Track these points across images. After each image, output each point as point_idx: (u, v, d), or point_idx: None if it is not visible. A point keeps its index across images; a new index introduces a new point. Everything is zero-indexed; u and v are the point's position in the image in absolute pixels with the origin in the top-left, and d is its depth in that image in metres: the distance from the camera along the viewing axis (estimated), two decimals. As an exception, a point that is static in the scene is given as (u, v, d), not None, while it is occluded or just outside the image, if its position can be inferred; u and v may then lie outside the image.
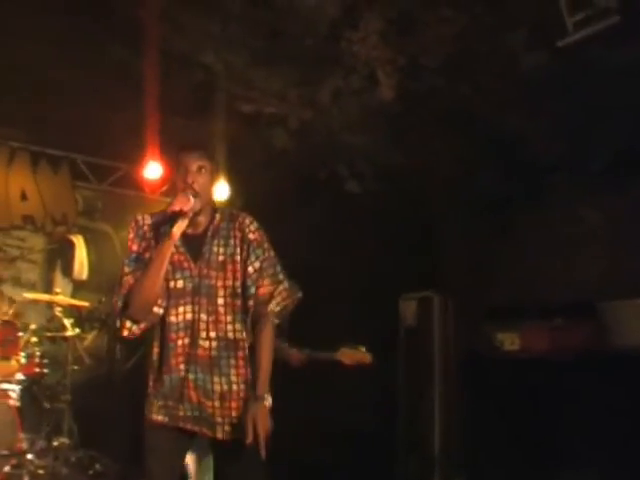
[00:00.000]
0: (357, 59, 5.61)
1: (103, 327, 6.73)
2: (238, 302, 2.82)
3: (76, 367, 5.90)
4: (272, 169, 6.76)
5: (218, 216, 2.88)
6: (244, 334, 2.82)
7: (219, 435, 2.76)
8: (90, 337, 6.82)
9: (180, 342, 2.76)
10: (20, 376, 5.32)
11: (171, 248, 2.71)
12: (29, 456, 5.08)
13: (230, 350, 2.79)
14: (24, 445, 4.96)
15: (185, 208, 2.69)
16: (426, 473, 6.14)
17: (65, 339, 5.87)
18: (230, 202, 7.21)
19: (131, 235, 2.85)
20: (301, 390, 5.70)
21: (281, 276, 2.89)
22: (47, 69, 5.81)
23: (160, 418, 2.78)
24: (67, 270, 7.39)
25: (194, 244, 2.83)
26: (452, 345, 6.42)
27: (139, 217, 2.89)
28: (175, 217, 2.69)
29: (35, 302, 6.37)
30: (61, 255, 7.46)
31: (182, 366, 2.75)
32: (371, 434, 5.93)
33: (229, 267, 2.82)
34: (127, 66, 5.78)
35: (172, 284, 2.79)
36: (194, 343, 2.76)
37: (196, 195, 2.74)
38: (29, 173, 7.37)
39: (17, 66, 5.80)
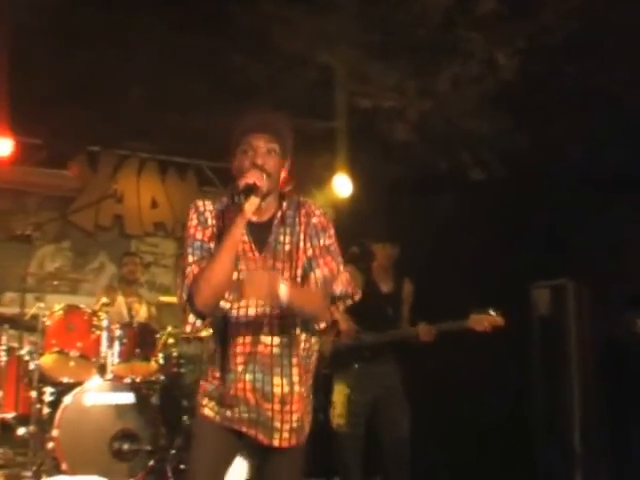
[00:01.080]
0: (474, 44, 5.47)
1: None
2: None
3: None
4: (393, 162, 6.70)
5: (285, 204, 2.66)
6: (307, 332, 2.61)
7: (275, 442, 2.57)
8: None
9: (241, 339, 2.54)
10: (159, 376, 5.53)
11: (243, 227, 2.48)
12: (171, 451, 5.28)
13: (292, 348, 2.57)
14: (165, 441, 5.15)
15: (259, 182, 2.48)
16: (568, 467, 5.91)
17: (200, 339, 6.03)
18: (353, 198, 7.22)
19: (193, 222, 2.61)
20: (435, 390, 5.64)
21: (342, 265, 2.65)
22: (170, 83, 6.02)
23: (212, 415, 2.61)
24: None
25: (259, 233, 2.60)
26: (589, 334, 6.15)
27: (199, 202, 2.67)
28: (247, 192, 2.47)
29: (169, 305, 6.60)
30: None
31: (241, 366, 2.54)
32: (508, 428, 5.77)
33: (295, 257, 2.60)
34: (246, 72, 5.89)
35: (235, 275, 2.53)
36: (256, 340, 2.54)
37: (269, 175, 2.54)
38: (158, 181, 7.68)
39: (143, 81, 6.04)
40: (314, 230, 2.62)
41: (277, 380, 2.54)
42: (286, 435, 2.57)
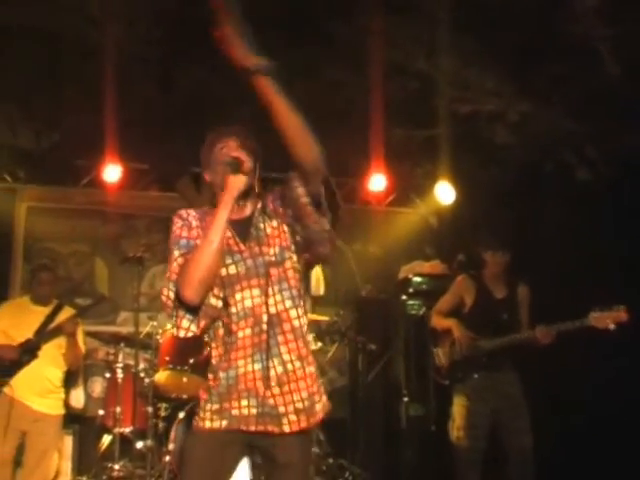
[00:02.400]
0: (574, 40, 5.30)
1: (343, 340, 6.90)
2: (281, 269, 2.56)
3: (321, 380, 6.05)
4: (495, 166, 6.57)
5: (261, 200, 2.67)
6: (289, 303, 2.54)
7: (286, 428, 2.50)
8: (332, 350, 7.01)
9: (242, 333, 2.50)
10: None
11: (229, 207, 2.48)
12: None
13: (275, 325, 2.51)
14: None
15: (244, 158, 2.53)
16: None
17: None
18: (456, 204, 7.12)
19: (177, 225, 2.63)
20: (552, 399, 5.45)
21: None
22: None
23: (216, 425, 2.52)
24: (305, 287, 7.67)
25: (241, 228, 2.60)
26: None
27: (182, 211, 2.69)
28: (233, 166, 2.51)
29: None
30: (298, 273, 7.77)
31: (246, 359, 2.50)
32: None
33: (277, 241, 2.59)
34: (343, 85, 5.92)
35: (224, 271, 2.53)
36: (258, 330, 2.50)
37: (249, 160, 2.56)
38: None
39: (244, 102, 6.17)
40: (280, 194, 2.64)
41: (270, 363, 2.50)
42: (293, 417, 2.51)
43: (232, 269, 2.54)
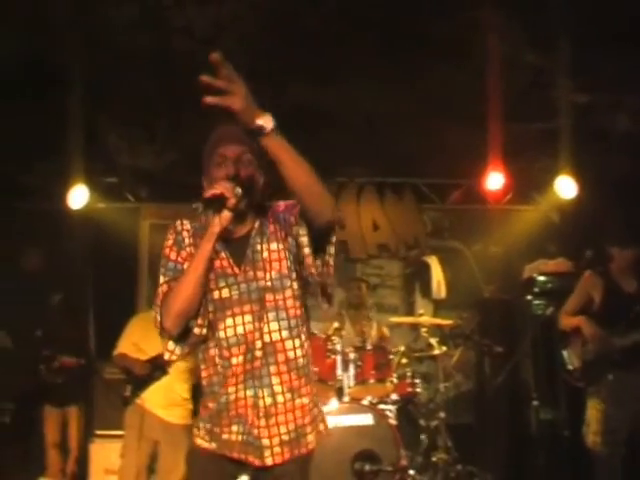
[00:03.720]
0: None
1: (468, 343, 6.77)
2: (278, 296, 2.43)
3: (447, 384, 5.98)
4: (618, 156, 6.29)
5: (262, 216, 2.53)
6: (286, 333, 2.43)
7: (268, 461, 2.40)
8: (457, 354, 6.89)
9: (235, 360, 2.41)
10: (394, 396, 5.54)
11: (212, 243, 2.34)
12: (411, 472, 5.26)
13: (269, 355, 2.42)
14: (405, 461, 5.13)
15: (228, 194, 2.32)
16: None
17: (433, 358, 5.98)
18: (579, 199, 6.87)
19: (169, 242, 2.49)
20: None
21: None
22: (377, 105, 6.11)
23: (206, 445, 2.48)
24: (426, 291, 7.61)
25: (238, 248, 2.46)
26: None
27: (178, 222, 2.54)
28: (215, 205, 2.34)
29: (399, 325, 6.62)
30: (418, 277, 7.72)
31: (237, 385, 2.41)
32: None
33: (275, 265, 2.45)
34: (452, 82, 5.84)
35: (217, 294, 2.43)
36: (251, 358, 2.40)
37: (244, 185, 2.39)
38: (377, 204, 7.78)
39: (353, 107, 6.19)
40: (283, 214, 2.51)
41: (260, 392, 2.41)
42: (277, 450, 2.41)
43: (225, 292, 2.43)
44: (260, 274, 2.44)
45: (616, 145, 6.22)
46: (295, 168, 2.27)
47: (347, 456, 4.96)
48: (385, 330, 6.55)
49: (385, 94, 5.97)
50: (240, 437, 2.41)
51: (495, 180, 7.16)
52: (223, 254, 2.46)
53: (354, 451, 4.97)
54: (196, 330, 2.41)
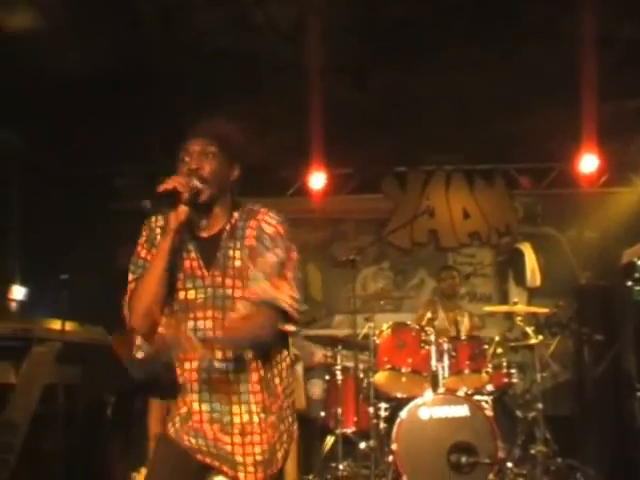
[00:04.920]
0: None
1: (565, 331, 6.59)
2: None
3: (544, 374, 5.84)
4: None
5: (237, 214, 2.43)
6: (262, 357, 2.36)
7: (241, 476, 2.33)
8: (554, 343, 6.72)
9: (188, 365, 2.35)
10: (490, 387, 5.45)
11: (170, 238, 2.28)
12: (508, 464, 5.16)
13: (246, 373, 2.34)
14: (503, 454, 5.05)
15: (181, 188, 2.25)
16: None
17: (529, 347, 5.85)
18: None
19: (142, 239, 2.45)
20: None
21: (292, 282, 2.36)
22: (469, 92, 6.02)
23: (176, 438, 2.37)
24: (520, 279, 7.46)
25: (208, 248, 2.37)
26: None
27: (153, 218, 2.46)
28: (170, 200, 2.26)
29: (492, 314, 6.51)
30: (511, 265, 7.58)
31: (196, 394, 2.35)
32: None
33: (246, 274, 2.34)
34: (542, 64, 5.68)
35: (182, 295, 2.36)
36: (208, 366, 2.31)
37: (204, 180, 2.32)
38: (467, 192, 7.67)
39: (442, 96, 6.12)
40: (264, 239, 2.37)
41: (236, 409, 2.33)
42: (251, 469, 2.33)
43: (191, 294, 2.36)
44: (229, 282, 2.35)
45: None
46: (249, 338, 2.28)
47: (443, 448, 4.92)
48: (477, 320, 6.47)
49: (473, 79, 5.86)
50: (205, 449, 2.35)
51: (589, 162, 6.98)
52: (194, 254, 2.40)
53: (450, 443, 4.92)
54: (160, 329, 2.33)
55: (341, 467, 5.41)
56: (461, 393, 5.26)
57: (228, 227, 2.41)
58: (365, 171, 7.63)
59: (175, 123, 6.36)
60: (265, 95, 6.03)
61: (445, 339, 5.47)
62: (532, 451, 5.37)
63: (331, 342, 5.97)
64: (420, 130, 6.65)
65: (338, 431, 5.49)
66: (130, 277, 2.41)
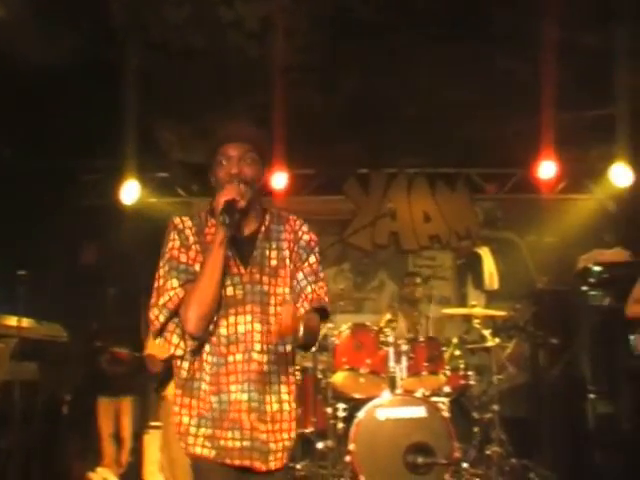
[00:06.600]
0: None
1: (522, 335, 6.69)
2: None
3: (500, 377, 5.91)
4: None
5: (268, 217, 2.55)
6: (290, 346, 2.47)
7: (272, 465, 2.42)
8: (511, 345, 6.81)
9: (232, 358, 2.41)
10: (447, 388, 5.51)
11: (224, 247, 2.35)
12: (464, 465, 5.22)
13: (280, 364, 2.45)
14: (459, 454, 5.10)
15: (238, 197, 2.36)
16: None
17: (486, 350, 5.93)
18: (636, 186, 6.72)
19: (175, 243, 2.46)
20: None
21: (325, 279, 2.57)
22: (428, 96, 6.07)
23: (206, 453, 2.40)
24: (478, 282, 7.54)
25: (242, 247, 2.47)
26: None
27: (177, 219, 2.51)
28: (228, 209, 2.33)
29: (451, 317, 6.58)
30: (470, 268, 7.65)
31: (234, 385, 2.40)
32: None
33: (281, 272, 2.49)
34: (512, 74, 5.76)
35: (222, 292, 2.42)
36: (248, 358, 2.40)
37: (247, 183, 2.42)
38: (428, 195, 7.73)
39: (408, 100, 6.17)
40: (304, 248, 2.54)
41: (268, 398, 2.43)
42: (279, 455, 2.45)
43: (230, 291, 2.43)
44: (266, 279, 2.47)
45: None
46: (312, 335, 2.41)
47: (400, 448, 4.95)
48: (436, 323, 6.51)
49: (438, 84, 5.92)
50: (238, 443, 2.40)
51: (547, 169, 7.07)
52: (229, 253, 2.44)
53: (407, 443, 4.96)
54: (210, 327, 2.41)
55: (299, 467, 5.42)
56: (419, 394, 5.30)
57: (263, 229, 2.52)
58: (328, 172, 7.64)
59: (143, 120, 6.36)
60: (230, 93, 6.01)
61: (403, 340, 5.51)
62: (487, 452, 5.45)
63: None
64: (384, 133, 6.69)
65: (297, 431, 5.48)
66: (175, 283, 2.40)
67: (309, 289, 2.49)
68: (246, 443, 2.39)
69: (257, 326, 2.42)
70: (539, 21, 5.24)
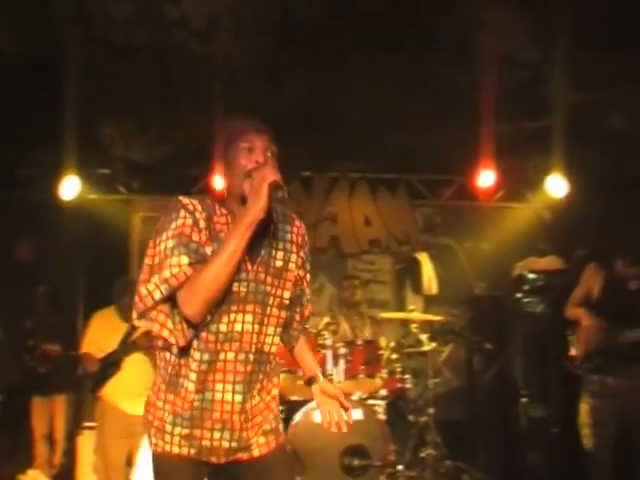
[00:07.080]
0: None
1: (458, 339, 6.79)
2: (282, 314, 2.45)
3: (436, 380, 6.00)
4: (612, 157, 6.31)
5: (274, 215, 2.44)
6: (275, 348, 2.45)
7: (255, 453, 2.42)
8: (447, 350, 6.91)
9: (223, 355, 2.32)
10: (384, 392, 5.56)
11: (251, 230, 2.23)
12: (399, 467, 5.28)
13: (262, 364, 2.40)
14: (393, 457, 5.15)
15: (280, 181, 2.27)
16: None
17: (423, 354, 6.00)
18: (571, 197, 6.90)
19: (187, 220, 2.29)
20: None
21: None
22: (371, 101, 6.13)
23: (185, 452, 2.35)
24: (417, 287, 7.62)
25: (251, 243, 2.29)
26: None
27: (186, 200, 2.35)
28: (275, 190, 2.23)
29: (389, 320, 6.64)
30: (409, 273, 7.72)
31: (220, 384, 2.33)
32: None
33: (284, 275, 2.44)
34: (454, 83, 5.86)
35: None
36: (243, 358, 2.34)
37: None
38: (369, 200, 7.77)
39: (351, 106, 6.21)
40: (308, 255, 2.57)
41: (248, 396, 2.38)
42: (262, 440, 2.44)
43: (235, 286, 2.32)
44: (269, 280, 2.40)
45: (607, 144, 6.23)
46: None
47: (336, 451, 4.98)
48: (375, 326, 6.56)
49: (382, 89, 5.98)
50: (227, 443, 2.36)
51: (486, 177, 7.18)
52: None
53: (343, 446, 4.99)
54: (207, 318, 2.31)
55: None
56: (355, 397, 5.34)
57: (272, 227, 2.44)
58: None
59: (84, 115, 6.26)
60: (175, 92, 5.97)
61: (341, 343, 5.54)
62: (423, 454, 5.53)
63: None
64: (327, 136, 6.72)
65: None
66: (185, 259, 2.24)
67: (305, 301, 2.63)
68: (234, 444, 2.37)
69: (256, 327, 2.36)
70: (480, 34, 5.35)
